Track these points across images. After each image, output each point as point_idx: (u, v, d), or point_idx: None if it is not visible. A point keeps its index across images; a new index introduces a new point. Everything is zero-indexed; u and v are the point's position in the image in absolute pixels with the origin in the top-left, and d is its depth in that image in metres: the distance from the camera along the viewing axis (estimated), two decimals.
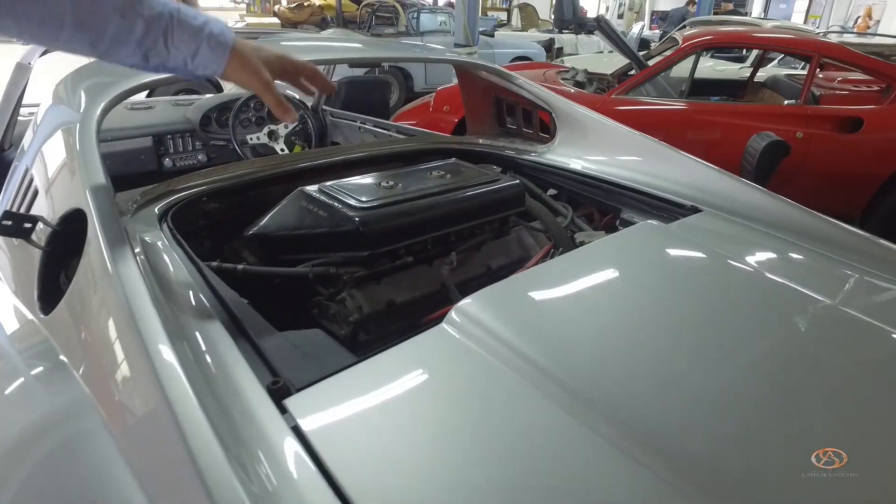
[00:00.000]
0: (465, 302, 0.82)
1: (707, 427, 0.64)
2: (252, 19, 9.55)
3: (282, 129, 2.65)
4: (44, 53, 1.85)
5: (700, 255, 1.06)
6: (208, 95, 2.82)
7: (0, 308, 0.95)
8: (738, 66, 5.56)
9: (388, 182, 1.23)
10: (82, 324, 0.80)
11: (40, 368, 0.83)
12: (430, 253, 1.25)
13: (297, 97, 2.90)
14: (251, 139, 2.55)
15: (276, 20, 9.43)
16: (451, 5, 7.97)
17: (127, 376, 0.69)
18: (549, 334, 0.79)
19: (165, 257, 0.95)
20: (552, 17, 11.34)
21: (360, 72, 5.92)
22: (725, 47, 5.90)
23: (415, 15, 7.56)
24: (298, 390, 0.68)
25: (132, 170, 2.43)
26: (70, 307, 0.83)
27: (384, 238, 1.12)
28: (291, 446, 0.59)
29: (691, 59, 3.56)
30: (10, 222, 0.82)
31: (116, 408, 0.70)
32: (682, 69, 3.66)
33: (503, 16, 12.87)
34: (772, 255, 1.10)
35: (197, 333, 0.74)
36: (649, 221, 1.18)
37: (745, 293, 0.93)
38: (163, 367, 0.62)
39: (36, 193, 1.08)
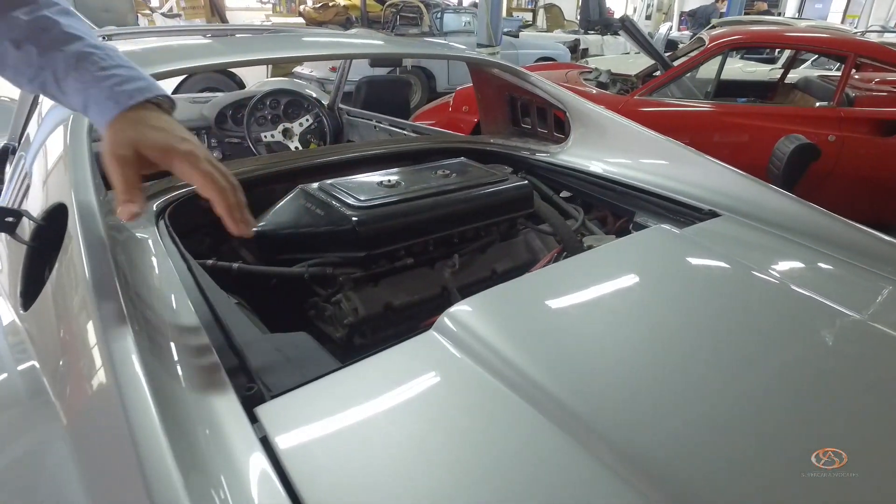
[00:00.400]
0: (457, 307, 0.77)
1: (713, 453, 0.58)
2: (277, 19, 9.64)
3: (296, 127, 2.64)
4: None
5: (714, 262, 0.99)
6: (223, 94, 2.82)
7: None
8: (768, 67, 5.39)
9: (389, 180, 1.19)
10: (54, 323, 0.77)
11: (11, 367, 0.80)
12: (432, 254, 1.20)
13: (314, 95, 2.89)
14: (265, 137, 2.55)
15: (301, 20, 9.50)
16: (475, 6, 7.92)
17: (89, 383, 0.65)
18: (545, 345, 0.74)
19: (154, 255, 0.92)
20: (578, 17, 11.22)
21: (381, 71, 5.91)
22: (755, 47, 5.73)
23: (438, 15, 7.53)
24: (274, 397, 0.64)
25: None
26: (44, 304, 0.81)
27: (381, 239, 1.08)
28: (258, 463, 0.55)
29: (718, 59, 3.45)
30: None
31: (77, 417, 0.67)
32: (709, 70, 3.55)
33: (528, 16, 12.77)
34: (795, 264, 1.02)
35: (172, 338, 0.71)
36: (662, 226, 1.11)
37: (761, 304, 0.87)
38: (125, 377, 0.58)
39: (28, 187, 1.07)
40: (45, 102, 1.38)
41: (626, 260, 0.98)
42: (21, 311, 0.86)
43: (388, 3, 8.21)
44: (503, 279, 1.26)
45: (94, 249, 0.75)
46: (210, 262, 1.11)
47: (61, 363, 0.70)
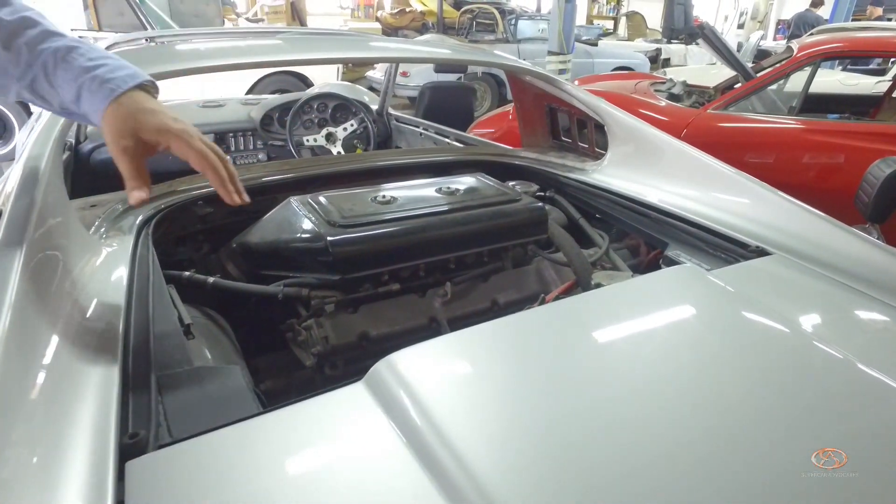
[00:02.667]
0: (398, 355, 0.66)
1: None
2: (355, 24, 9.86)
3: (340, 132, 2.60)
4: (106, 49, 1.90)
5: (747, 317, 0.80)
6: (273, 96, 2.83)
7: None
8: (874, 80, 4.82)
9: (384, 196, 1.09)
10: None
11: None
12: (424, 280, 1.08)
13: (365, 100, 2.85)
14: (308, 140, 2.52)
15: (378, 25, 9.67)
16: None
17: None
18: (502, 415, 0.60)
19: (105, 267, 0.87)
20: (661, 26, 10.70)
21: (450, 77, 5.87)
22: (850, 57, 5.12)
23: (513, 22, 7.40)
24: (163, 446, 0.56)
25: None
26: None
27: (358, 262, 0.97)
28: None
29: (808, 70, 3.09)
30: None
31: None
32: (800, 83, 3.20)
33: (610, 24, 12.36)
34: (856, 322, 0.83)
35: (58, 366, 0.63)
36: (690, 265, 0.94)
37: (798, 378, 0.68)
38: None
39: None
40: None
41: (629, 307, 0.81)
42: None
43: (463, 10, 8.18)
44: (505, 312, 1.12)
45: (3, 264, 0.69)
46: (186, 274, 1.05)
47: None
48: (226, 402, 0.67)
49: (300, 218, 1.03)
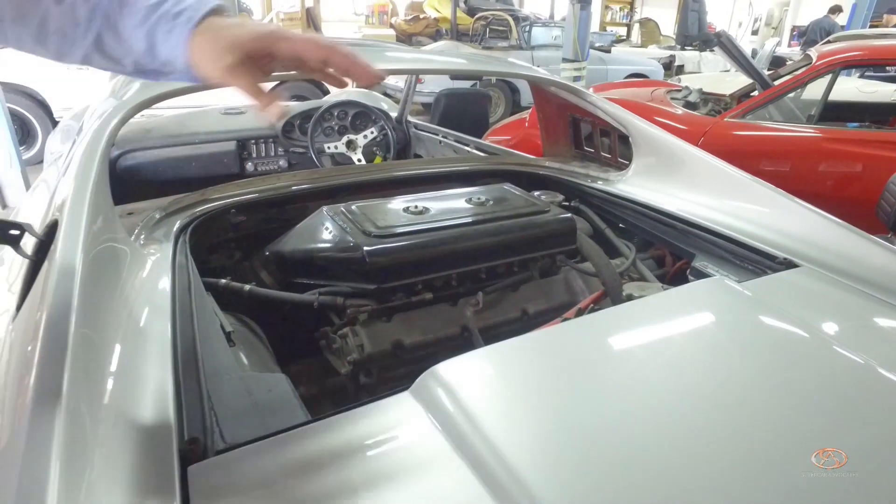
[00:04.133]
0: (444, 366, 0.67)
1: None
2: (369, 30, 9.95)
3: (361, 139, 2.63)
4: None
5: (779, 328, 0.81)
6: (294, 103, 2.87)
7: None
8: (893, 87, 4.77)
9: (417, 206, 1.11)
10: (21, 343, 0.75)
11: None
12: (456, 290, 1.10)
13: (384, 107, 2.88)
14: (329, 148, 2.55)
15: (392, 32, 9.74)
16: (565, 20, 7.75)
17: (14, 406, 0.61)
18: (543, 424, 0.62)
19: (152, 275, 0.89)
20: (675, 32, 10.69)
21: (462, 84, 5.89)
22: (870, 65, 5.07)
23: (527, 29, 7.42)
24: (219, 452, 0.58)
25: (215, 172, 2.52)
26: (20, 322, 0.79)
27: (394, 272, 1.00)
28: None
29: (827, 79, 3.08)
30: None
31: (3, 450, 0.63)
32: (817, 90, 3.18)
33: (623, 31, 12.35)
34: (886, 334, 0.84)
35: (125, 373, 0.66)
36: (717, 278, 0.95)
37: (835, 390, 0.69)
38: (40, 414, 0.53)
39: (51, 196, 1.08)
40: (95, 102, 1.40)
41: (667, 319, 0.83)
42: (10, 324, 0.85)
43: (477, 16, 8.22)
44: (535, 321, 1.14)
45: (64, 272, 0.72)
46: (223, 281, 1.07)
47: (11, 383, 0.67)
48: (274, 409, 0.69)
49: (335, 228, 1.05)
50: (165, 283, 0.89)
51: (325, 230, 1.07)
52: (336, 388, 1.05)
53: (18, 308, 0.84)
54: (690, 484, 0.55)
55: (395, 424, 0.62)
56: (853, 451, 0.58)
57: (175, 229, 1.11)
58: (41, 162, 4.94)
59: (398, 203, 1.14)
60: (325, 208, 1.13)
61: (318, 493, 0.53)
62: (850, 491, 0.54)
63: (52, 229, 0.86)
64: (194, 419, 0.63)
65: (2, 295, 1.14)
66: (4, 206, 3.97)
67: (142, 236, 1.08)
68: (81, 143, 1.08)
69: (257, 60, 0.65)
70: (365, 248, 0.96)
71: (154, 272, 0.92)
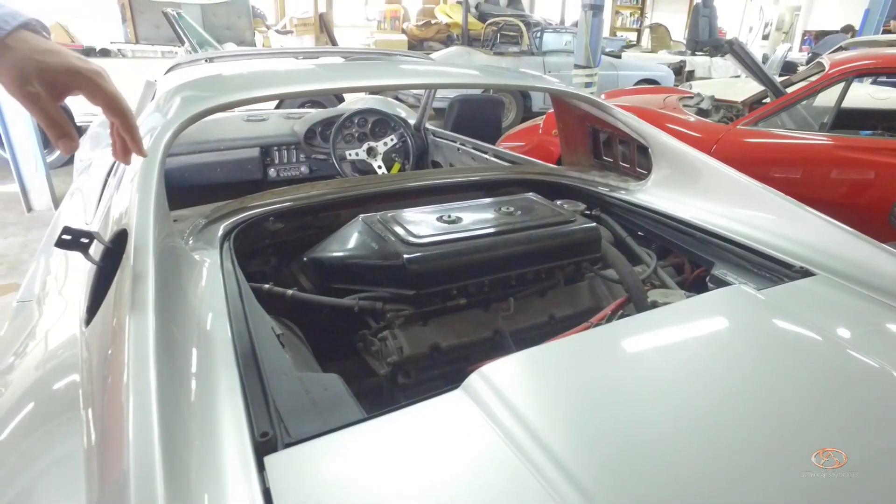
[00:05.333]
0: (491, 367, 0.73)
1: None
2: (381, 36, 10.05)
3: (381, 147, 2.69)
4: (168, 72, 2.02)
5: (800, 335, 0.87)
6: (316, 111, 2.94)
7: (64, 327, 1.01)
8: None
9: (450, 216, 1.17)
10: (101, 342, 0.82)
11: (57, 382, 0.85)
12: (487, 295, 1.16)
13: (402, 115, 2.94)
14: (350, 155, 2.62)
15: (403, 37, 9.83)
16: (577, 25, 7.81)
17: (108, 407, 0.68)
18: (580, 419, 0.68)
19: (207, 279, 0.96)
20: (685, 38, 10.72)
21: (475, 90, 5.95)
22: (884, 74, 5.09)
23: (538, 35, 7.48)
24: (288, 445, 0.64)
25: (239, 178, 2.60)
26: (97, 324, 0.86)
27: (432, 278, 1.05)
28: None
29: (840, 87, 3.11)
30: (69, 237, 0.86)
31: (95, 440, 0.69)
32: (828, 97, 3.22)
33: (633, 36, 12.38)
34: None
35: (200, 371, 0.72)
36: (740, 286, 1.00)
37: (854, 393, 0.75)
38: (138, 406, 0.60)
39: (109, 205, 1.15)
40: (142, 115, 1.47)
41: (692, 326, 0.88)
42: (83, 328, 0.92)
43: (488, 22, 8.29)
44: (562, 326, 1.20)
45: (141, 278, 0.78)
46: (266, 286, 1.13)
47: (98, 384, 0.74)
48: (332, 407, 0.74)
49: (373, 236, 1.11)
50: (219, 288, 0.95)
51: (364, 238, 1.13)
52: (372, 388, 1.11)
53: (90, 311, 0.91)
54: (716, 484, 0.60)
55: (449, 420, 0.67)
56: (871, 455, 0.61)
57: (219, 236, 1.17)
58: (63, 165, 5.07)
59: (431, 212, 1.20)
60: (361, 217, 1.19)
61: (382, 484, 0.59)
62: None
63: (119, 238, 0.93)
64: (261, 415, 0.68)
65: (58, 296, 1.21)
66: (29, 210, 4.07)
67: (190, 242, 1.14)
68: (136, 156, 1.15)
69: (60, 89, 0.65)
70: (405, 256, 1.02)
71: (208, 278, 0.98)
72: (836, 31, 8.47)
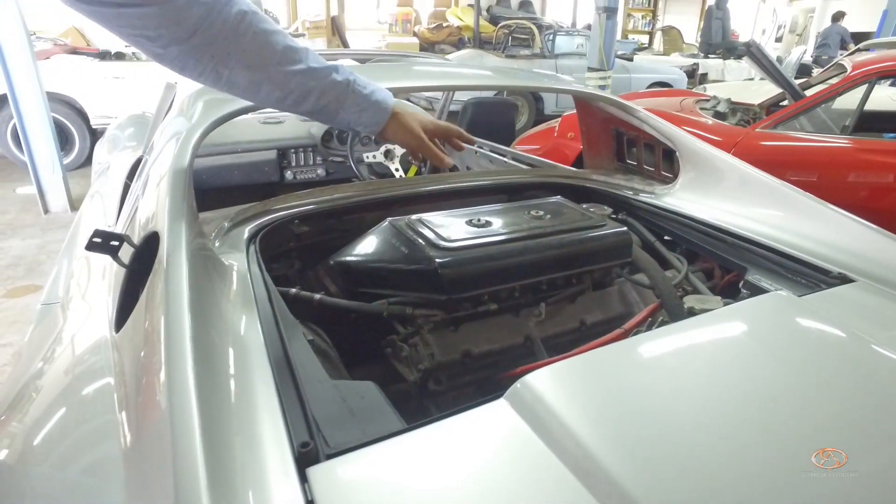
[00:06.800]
0: (534, 376, 0.71)
1: None
2: (392, 39, 10.08)
3: (397, 149, 2.68)
4: None
5: (847, 343, 0.84)
6: None
7: (92, 331, 1.00)
8: None
9: (479, 219, 1.15)
10: (135, 348, 0.81)
11: (92, 385, 0.85)
12: (518, 301, 1.14)
13: None
14: (367, 157, 2.61)
15: (415, 40, 9.85)
16: (589, 28, 7.78)
17: (148, 412, 0.67)
18: (627, 430, 0.65)
19: (236, 283, 0.94)
20: (698, 40, 10.66)
21: (488, 92, 5.94)
22: None
23: (550, 37, 7.47)
24: (329, 457, 0.62)
25: (256, 180, 2.60)
26: (130, 328, 0.85)
27: (464, 283, 1.04)
28: None
29: (862, 89, 3.06)
30: (99, 240, 0.86)
31: (132, 448, 0.68)
32: (847, 99, 3.17)
33: (645, 39, 12.33)
34: None
35: (237, 375, 0.71)
36: (780, 293, 0.97)
37: None
38: (179, 414, 0.59)
39: (137, 209, 1.14)
40: (167, 118, 1.47)
41: (736, 334, 0.86)
42: (113, 332, 0.91)
43: (500, 25, 8.29)
44: (593, 331, 1.18)
45: (175, 281, 0.77)
46: (293, 290, 1.12)
47: (133, 388, 0.72)
48: (370, 416, 0.72)
49: (403, 240, 1.09)
50: (248, 292, 0.94)
51: (393, 242, 1.11)
52: (399, 394, 1.09)
53: (119, 315, 0.90)
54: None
55: (495, 431, 0.66)
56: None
57: (245, 238, 1.16)
58: (79, 168, 5.11)
59: (459, 216, 1.18)
60: (389, 220, 1.18)
61: (429, 499, 0.57)
62: None
63: (149, 241, 0.92)
64: (298, 424, 0.66)
65: (82, 300, 1.21)
66: (46, 212, 4.10)
67: (216, 244, 1.13)
68: (163, 159, 1.14)
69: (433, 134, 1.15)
70: (437, 261, 1.00)
71: (238, 281, 0.97)
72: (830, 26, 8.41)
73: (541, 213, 1.21)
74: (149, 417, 0.66)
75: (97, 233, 0.85)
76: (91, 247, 0.84)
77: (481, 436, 0.65)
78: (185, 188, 1.00)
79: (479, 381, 1.08)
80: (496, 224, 1.14)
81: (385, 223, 1.18)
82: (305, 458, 0.61)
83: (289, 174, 2.68)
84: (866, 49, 5.78)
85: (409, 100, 5.80)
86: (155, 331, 0.73)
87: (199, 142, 1.13)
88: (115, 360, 0.85)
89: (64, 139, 5.05)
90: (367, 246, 1.18)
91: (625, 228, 1.21)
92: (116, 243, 0.87)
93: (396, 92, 1.19)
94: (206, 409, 0.61)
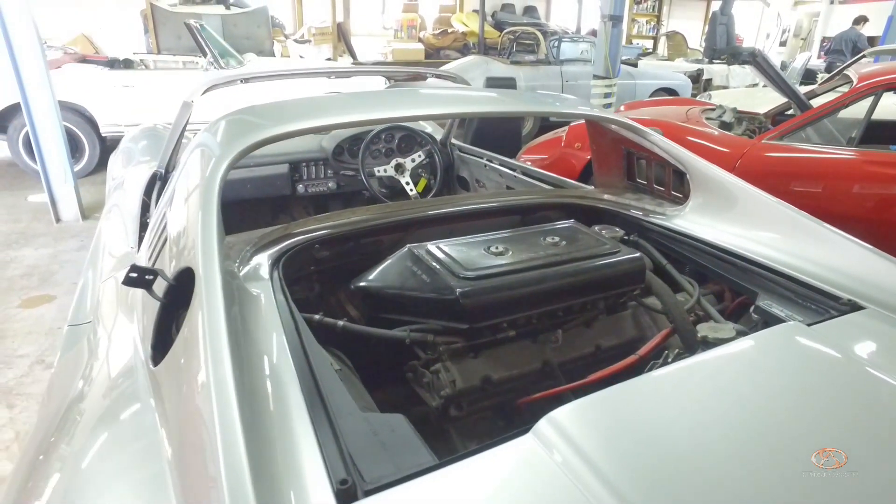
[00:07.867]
0: (559, 412, 0.74)
1: None
2: (398, 45, 10.13)
3: (408, 163, 2.71)
4: (204, 92, 2.06)
5: (862, 375, 0.87)
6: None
7: (125, 355, 1.03)
8: None
9: (497, 247, 1.18)
10: (177, 384, 0.84)
11: (137, 419, 0.88)
12: (535, 327, 1.17)
13: (428, 130, 2.96)
14: (378, 171, 2.64)
15: (420, 46, 9.89)
16: (594, 34, 7.81)
17: (194, 452, 0.70)
18: (651, 465, 0.68)
19: (265, 313, 0.97)
20: (702, 45, 10.67)
21: None
22: None
23: (555, 44, 7.49)
24: (367, 493, 0.65)
25: (268, 193, 2.63)
26: (171, 363, 0.88)
27: (485, 312, 1.07)
28: None
29: (869, 100, 3.07)
30: (135, 275, 0.89)
31: (181, 481, 0.71)
32: (853, 110, 3.18)
33: (649, 44, 12.36)
34: None
35: (274, 410, 0.74)
36: (794, 324, 1.00)
37: None
38: (230, 455, 0.62)
39: (166, 241, 1.17)
40: (192, 141, 1.49)
41: (753, 368, 0.89)
42: (151, 366, 0.94)
43: (505, 31, 8.32)
44: (608, 356, 1.20)
45: (213, 316, 0.80)
46: (317, 317, 1.15)
47: (171, 419, 0.76)
48: (401, 450, 0.75)
49: (424, 268, 1.12)
50: (276, 322, 0.96)
51: (413, 270, 1.14)
52: (419, 417, 1.12)
53: (156, 349, 0.93)
54: None
55: (523, 468, 0.69)
56: None
57: (268, 265, 1.19)
58: (88, 175, 5.17)
59: (477, 243, 1.21)
60: (409, 247, 1.21)
61: None
62: None
63: (183, 276, 0.95)
64: (334, 459, 0.69)
65: (112, 324, 1.24)
66: (58, 221, 4.14)
67: (242, 271, 1.16)
68: (190, 186, 1.17)
69: None
70: (458, 290, 1.04)
71: (265, 311, 1.00)
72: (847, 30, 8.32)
73: (556, 238, 1.24)
74: (196, 450, 0.70)
75: (134, 268, 0.88)
76: (128, 282, 0.88)
77: (511, 473, 0.68)
78: (216, 220, 1.03)
79: (498, 406, 1.11)
80: (513, 251, 1.17)
81: (405, 249, 1.21)
82: (344, 495, 0.63)
83: (300, 188, 2.71)
84: (871, 56, 5.78)
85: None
86: (197, 368, 0.76)
87: (227, 170, 1.16)
88: (152, 391, 0.88)
89: (74, 147, 5.10)
90: (388, 272, 1.21)
91: (639, 254, 1.24)
92: (151, 277, 0.91)
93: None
94: (252, 446, 0.64)
